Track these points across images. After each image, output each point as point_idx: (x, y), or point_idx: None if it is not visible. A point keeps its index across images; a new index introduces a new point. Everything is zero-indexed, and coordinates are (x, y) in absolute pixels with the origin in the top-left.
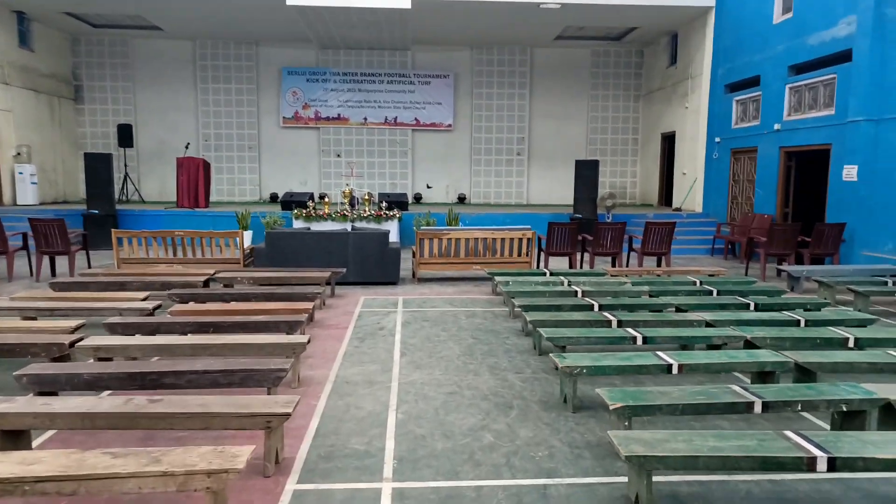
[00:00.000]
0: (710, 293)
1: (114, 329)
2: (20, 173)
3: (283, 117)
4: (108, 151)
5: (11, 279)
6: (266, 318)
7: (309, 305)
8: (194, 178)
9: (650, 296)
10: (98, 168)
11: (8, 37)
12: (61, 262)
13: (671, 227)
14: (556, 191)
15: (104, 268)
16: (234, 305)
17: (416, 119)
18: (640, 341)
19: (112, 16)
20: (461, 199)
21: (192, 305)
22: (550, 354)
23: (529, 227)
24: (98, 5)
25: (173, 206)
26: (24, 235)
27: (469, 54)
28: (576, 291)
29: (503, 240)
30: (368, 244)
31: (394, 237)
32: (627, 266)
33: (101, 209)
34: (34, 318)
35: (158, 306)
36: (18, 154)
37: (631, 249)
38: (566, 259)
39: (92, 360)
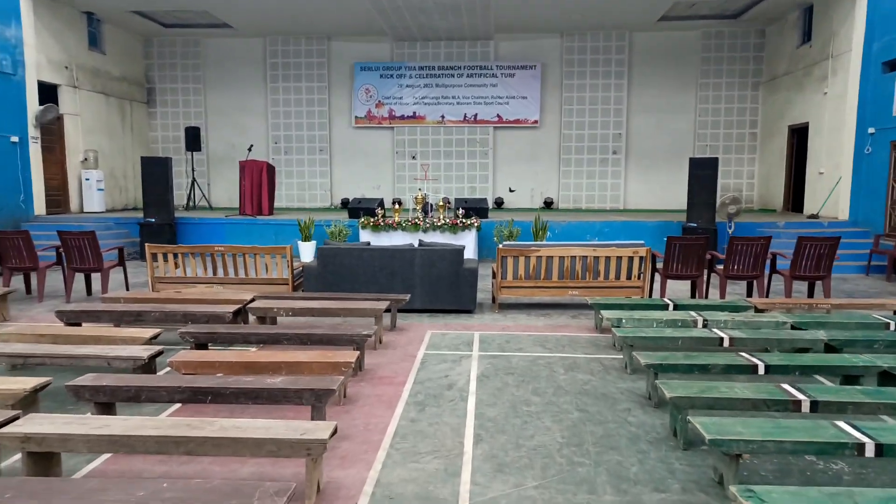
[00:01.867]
0: None
1: (79, 394)
2: (87, 179)
3: (356, 117)
4: (178, 156)
5: (42, 299)
6: (285, 383)
7: (352, 358)
8: (257, 182)
9: (831, 347)
10: (155, 173)
11: (77, 39)
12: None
13: (833, 244)
14: (658, 194)
15: (135, 290)
16: (254, 355)
17: (498, 115)
18: (870, 449)
19: (181, 14)
20: (548, 204)
21: (200, 354)
22: (722, 467)
23: (643, 242)
24: (164, 2)
25: (236, 214)
26: (58, 250)
27: (559, 42)
28: (721, 339)
29: (608, 258)
30: (439, 263)
31: (470, 252)
32: (768, 294)
33: (158, 217)
34: None
35: (158, 353)
36: (86, 160)
37: (773, 271)
38: (688, 282)
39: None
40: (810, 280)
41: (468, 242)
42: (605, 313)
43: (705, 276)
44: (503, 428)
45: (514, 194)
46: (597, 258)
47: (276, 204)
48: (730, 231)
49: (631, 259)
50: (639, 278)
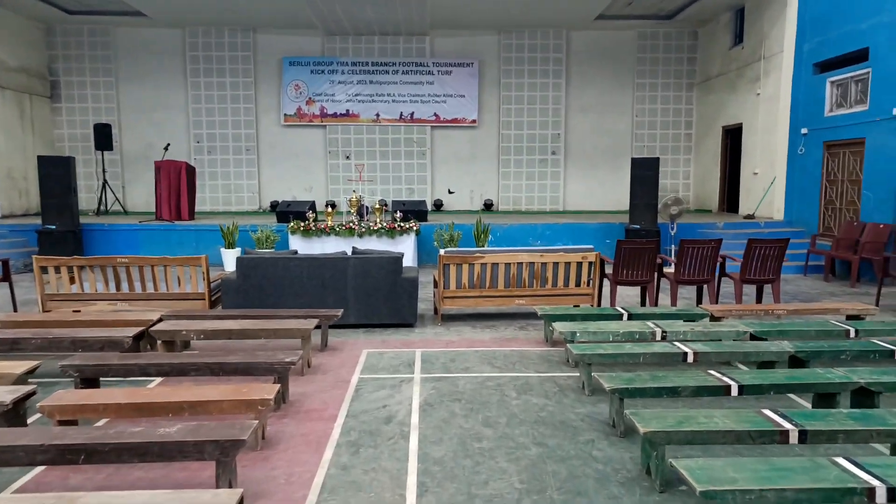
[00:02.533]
0: (893, 354)
1: None
2: None
3: (285, 114)
4: (88, 155)
5: None
6: (183, 433)
7: (270, 393)
8: (175, 185)
9: (797, 359)
10: (54, 174)
11: None
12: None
13: (783, 246)
14: (598, 196)
15: (23, 312)
16: (151, 393)
17: (435, 114)
18: (881, 494)
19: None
20: (488, 206)
21: (82, 395)
22: None
23: (591, 246)
24: None
25: (152, 219)
26: None
27: (496, 39)
28: (684, 354)
29: (556, 264)
30: (375, 272)
31: (409, 258)
32: (718, 299)
33: (59, 224)
34: None
35: (30, 395)
36: None
37: (723, 274)
38: (637, 288)
39: None
40: (759, 283)
41: (407, 248)
42: (557, 326)
43: (656, 282)
44: (452, 472)
45: (454, 196)
46: (544, 264)
47: (199, 208)
48: (672, 232)
49: (580, 265)
50: (588, 285)
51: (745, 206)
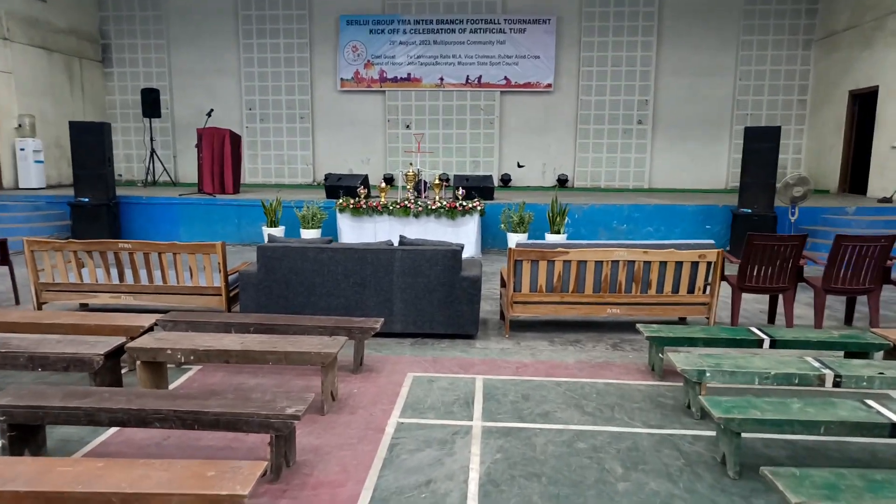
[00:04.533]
0: None
1: None
2: (21, 150)
3: (342, 79)
4: (139, 123)
5: None
6: None
7: (243, 490)
8: (219, 155)
9: None
10: (87, 142)
11: None
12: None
13: (885, 247)
14: (690, 171)
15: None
16: (69, 468)
17: (506, 78)
18: None
19: None
20: (562, 182)
21: None
22: None
23: (712, 242)
24: None
25: (194, 191)
26: None
27: None
28: (892, 425)
29: (664, 265)
30: (428, 269)
31: (472, 243)
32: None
33: (93, 197)
34: None
35: None
36: (20, 126)
37: (801, 280)
38: (761, 296)
39: None
40: (850, 293)
41: (469, 231)
42: (677, 360)
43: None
44: None
45: (524, 170)
46: (647, 264)
47: (251, 179)
48: (792, 218)
49: (695, 265)
50: (705, 292)
51: (875, 187)
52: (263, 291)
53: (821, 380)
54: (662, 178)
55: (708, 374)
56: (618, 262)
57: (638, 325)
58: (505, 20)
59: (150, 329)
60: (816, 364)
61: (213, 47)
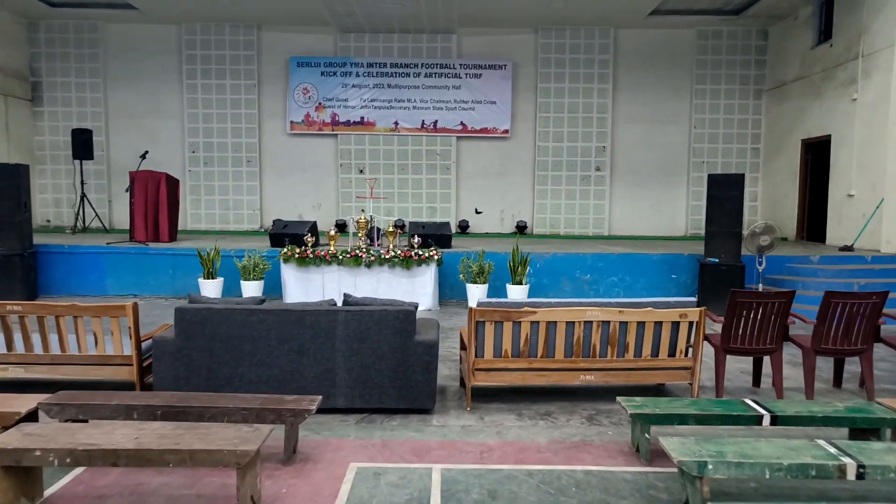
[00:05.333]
0: None
1: None
2: None
3: (291, 121)
4: (71, 165)
5: None
6: None
7: None
8: (153, 199)
9: None
10: (2, 186)
11: None
12: None
13: (877, 305)
14: (648, 218)
15: None
16: None
17: (462, 123)
18: None
19: None
20: (521, 229)
21: None
22: None
23: (693, 300)
24: None
25: (124, 239)
26: None
27: (533, 37)
28: None
29: (641, 325)
30: (376, 333)
31: (428, 294)
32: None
33: (5, 246)
34: None
35: None
36: None
37: (785, 338)
38: (744, 358)
39: None
40: (839, 354)
41: (426, 281)
42: (670, 446)
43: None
44: None
45: (482, 217)
46: (624, 324)
47: (193, 226)
48: (760, 268)
49: (675, 326)
50: (687, 355)
51: (834, 235)
52: (182, 361)
53: (841, 471)
54: (622, 225)
55: (710, 467)
56: (591, 322)
57: (619, 399)
58: (461, 65)
59: (31, 415)
60: (832, 450)
61: (155, 87)
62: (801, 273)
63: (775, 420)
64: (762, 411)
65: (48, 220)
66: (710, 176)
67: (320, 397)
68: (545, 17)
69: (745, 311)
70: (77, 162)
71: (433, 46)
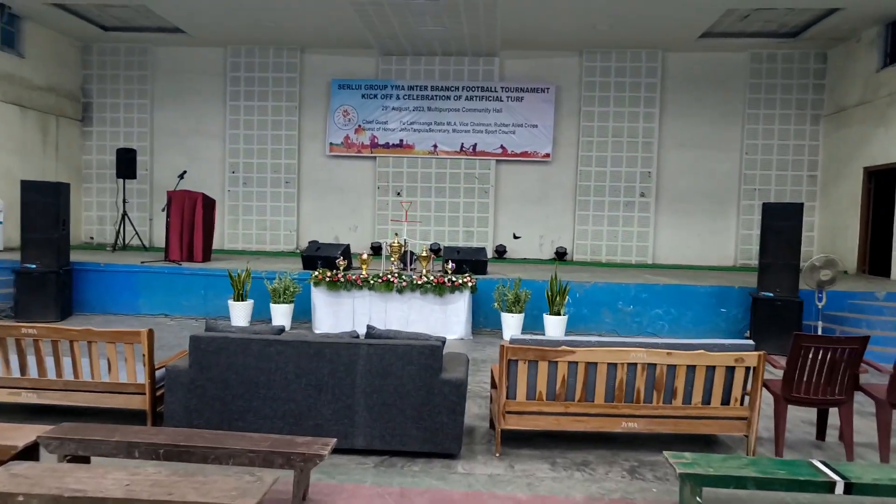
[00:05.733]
0: None
1: None
2: None
3: (331, 143)
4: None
5: None
6: None
7: None
8: (189, 219)
9: None
10: (41, 203)
11: None
12: None
13: None
14: (695, 247)
15: None
16: None
17: (502, 146)
18: None
19: (118, 12)
20: (560, 255)
21: None
22: None
23: (751, 343)
24: None
25: (159, 258)
26: None
27: (577, 61)
28: None
29: (692, 369)
30: (399, 369)
31: (461, 323)
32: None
33: (41, 262)
34: None
35: None
36: None
37: (856, 388)
38: (808, 409)
39: None
40: None
41: (459, 309)
42: None
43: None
44: None
45: (520, 242)
46: (672, 368)
47: (230, 245)
48: (819, 304)
49: (730, 371)
50: (743, 404)
51: None
52: (195, 392)
53: None
54: (666, 254)
55: None
56: (635, 364)
57: (666, 455)
58: (502, 88)
59: (31, 448)
60: None
61: (199, 108)
62: (865, 310)
63: (850, 488)
64: (834, 477)
65: (91, 238)
66: (765, 205)
67: (334, 440)
68: (590, 41)
69: (810, 356)
70: (120, 181)
71: (475, 69)
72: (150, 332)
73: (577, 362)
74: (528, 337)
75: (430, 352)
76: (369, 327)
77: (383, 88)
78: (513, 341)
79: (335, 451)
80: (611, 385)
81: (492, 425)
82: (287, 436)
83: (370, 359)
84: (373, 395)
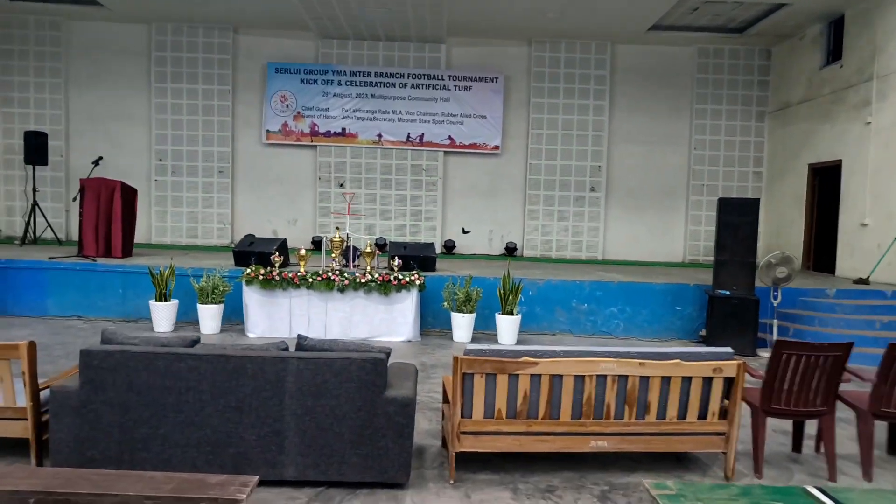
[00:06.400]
0: None
1: None
2: None
3: (268, 130)
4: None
5: None
6: None
7: None
8: (106, 210)
9: None
10: None
11: None
12: None
13: None
14: (646, 242)
15: None
16: None
17: (449, 137)
18: None
19: None
20: (510, 251)
21: None
22: None
23: (730, 350)
24: None
25: (72, 254)
26: None
27: (526, 50)
28: None
29: (666, 380)
30: (336, 388)
31: (408, 329)
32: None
33: None
34: None
35: None
36: None
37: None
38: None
39: None
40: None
41: (406, 308)
42: None
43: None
44: None
45: (469, 237)
46: (645, 379)
47: (159, 239)
48: (774, 302)
49: (707, 382)
50: (722, 418)
51: (845, 267)
52: (87, 418)
53: None
54: (617, 249)
55: None
56: (605, 376)
57: (647, 484)
58: (449, 76)
59: None
60: None
61: (121, 90)
62: (816, 308)
63: None
64: (818, 496)
65: None
66: (721, 200)
67: (255, 479)
68: (540, 29)
69: (791, 366)
70: (29, 167)
71: (420, 56)
72: (31, 345)
73: (540, 375)
74: (484, 347)
75: (371, 366)
76: (300, 337)
77: (324, 73)
78: (468, 352)
79: (263, 482)
80: (578, 400)
81: (444, 444)
82: (197, 475)
83: (301, 375)
84: (305, 417)
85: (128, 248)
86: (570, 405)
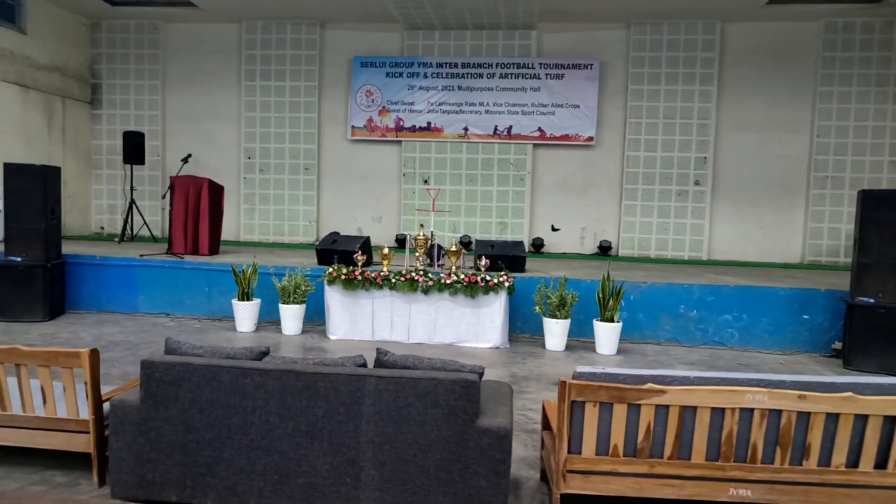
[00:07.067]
0: None
1: None
2: None
3: (353, 126)
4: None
5: None
6: None
7: None
8: (194, 208)
9: None
10: (23, 189)
11: None
12: None
13: None
14: (758, 242)
15: None
16: None
17: (540, 129)
18: None
19: None
20: (605, 250)
21: None
22: None
23: None
24: None
25: (161, 252)
26: None
27: (624, 33)
28: None
29: (833, 418)
30: (419, 413)
31: (496, 335)
32: None
33: (27, 255)
34: None
35: None
36: None
37: None
38: None
39: None
40: None
41: (493, 312)
42: None
43: None
44: None
45: (559, 235)
46: (804, 416)
47: (247, 237)
48: None
49: (890, 422)
50: None
51: None
52: (148, 437)
53: None
54: (724, 249)
55: None
56: (752, 410)
57: None
58: (540, 64)
59: None
60: None
61: (213, 89)
62: None
63: None
64: None
65: (102, 228)
66: (863, 192)
67: None
68: (639, 10)
69: None
70: (128, 167)
71: (510, 44)
72: (94, 353)
73: (668, 406)
74: (598, 370)
75: (462, 390)
76: (379, 352)
77: (409, 66)
78: (578, 376)
79: None
80: (715, 437)
81: (543, 478)
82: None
83: (381, 396)
84: (384, 446)
85: (214, 246)
86: (704, 444)
